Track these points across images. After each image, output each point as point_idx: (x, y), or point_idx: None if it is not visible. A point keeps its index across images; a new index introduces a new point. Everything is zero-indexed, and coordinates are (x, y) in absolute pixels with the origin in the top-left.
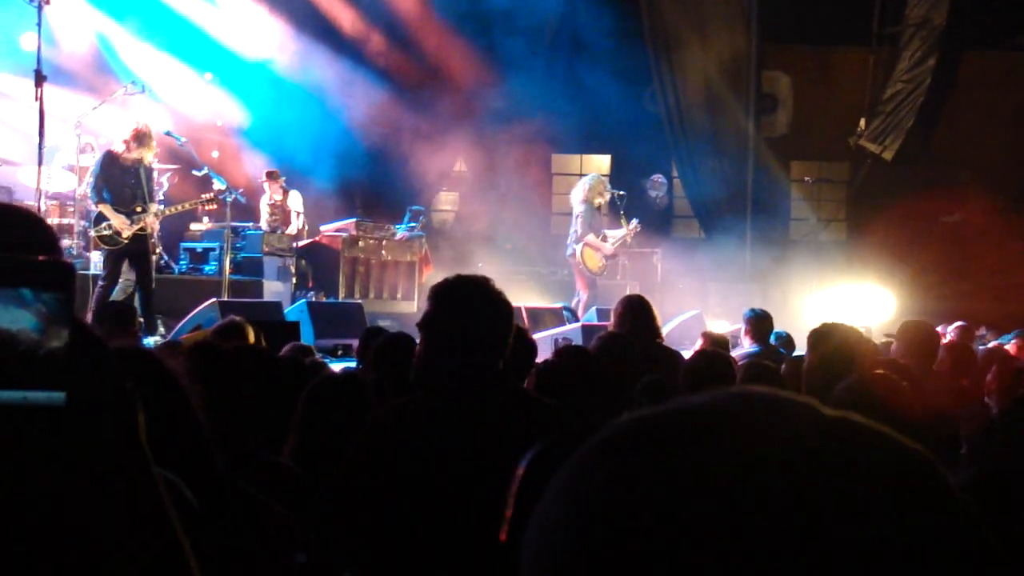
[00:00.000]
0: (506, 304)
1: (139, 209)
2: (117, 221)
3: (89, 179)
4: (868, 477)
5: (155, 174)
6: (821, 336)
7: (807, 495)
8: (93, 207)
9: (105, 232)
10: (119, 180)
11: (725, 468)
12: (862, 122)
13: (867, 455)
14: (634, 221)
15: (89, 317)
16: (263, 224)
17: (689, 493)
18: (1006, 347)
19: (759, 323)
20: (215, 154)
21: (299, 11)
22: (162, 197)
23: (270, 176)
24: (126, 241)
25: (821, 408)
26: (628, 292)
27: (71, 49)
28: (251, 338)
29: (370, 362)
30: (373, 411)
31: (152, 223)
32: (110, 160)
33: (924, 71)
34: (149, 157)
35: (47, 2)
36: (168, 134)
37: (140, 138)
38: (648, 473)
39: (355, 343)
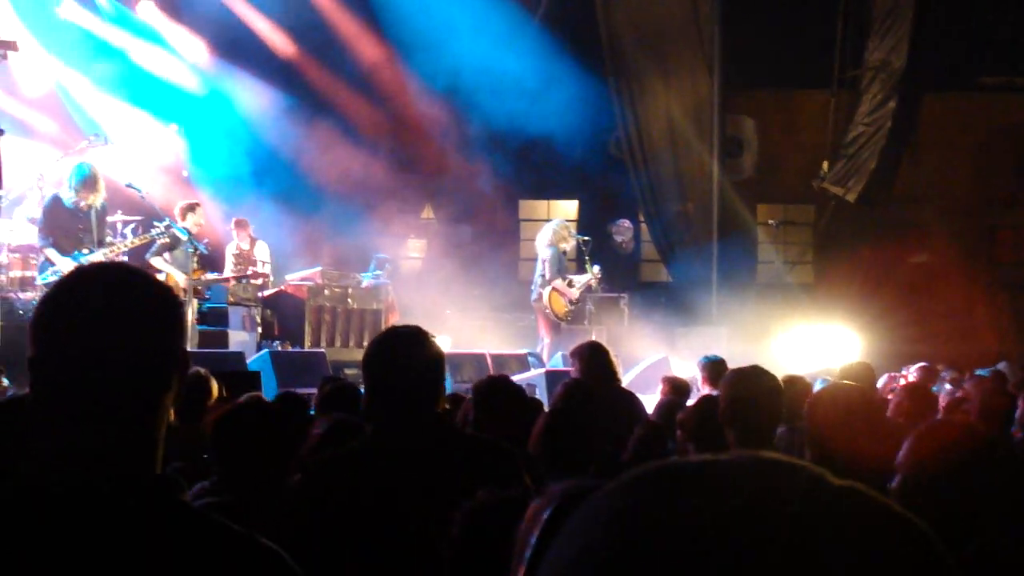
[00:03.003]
0: (435, 352)
1: (86, 251)
2: (63, 265)
3: (37, 225)
4: (867, 548)
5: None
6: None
7: (805, 560)
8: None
9: (52, 278)
10: (66, 225)
11: (730, 524)
12: (825, 165)
13: (868, 526)
14: (596, 267)
15: None
16: (227, 273)
17: (688, 547)
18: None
19: (714, 369)
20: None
21: (265, 64)
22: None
23: (238, 224)
24: None
25: (828, 476)
26: (594, 338)
27: (33, 101)
28: (215, 391)
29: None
30: (314, 456)
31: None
32: (55, 205)
33: (885, 114)
34: (98, 201)
35: (4, 57)
36: (130, 186)
37: (86, 182)
38: (647, 521)
39: None
